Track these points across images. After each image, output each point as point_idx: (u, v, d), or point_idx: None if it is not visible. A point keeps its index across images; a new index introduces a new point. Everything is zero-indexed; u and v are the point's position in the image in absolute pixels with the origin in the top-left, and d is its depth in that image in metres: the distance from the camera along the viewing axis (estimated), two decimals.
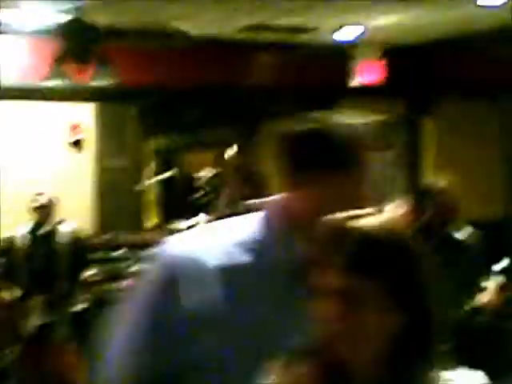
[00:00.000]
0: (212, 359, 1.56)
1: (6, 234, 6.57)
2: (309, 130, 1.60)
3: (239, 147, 8.63)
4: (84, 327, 6.82)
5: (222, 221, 1.74)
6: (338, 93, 8.42)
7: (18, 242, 6.26)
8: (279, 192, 1.64)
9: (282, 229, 1.61)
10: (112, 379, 1.66)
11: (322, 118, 1.63)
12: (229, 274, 1.59)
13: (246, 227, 1.66)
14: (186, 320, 1.57)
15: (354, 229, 1.35)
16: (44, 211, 6.27)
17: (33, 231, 6.29)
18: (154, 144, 8.72)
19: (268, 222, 1.64)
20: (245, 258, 1.61)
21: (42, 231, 6.27)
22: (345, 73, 8.79)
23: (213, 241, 1.65)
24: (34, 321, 5.90)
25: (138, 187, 8.34)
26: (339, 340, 1.31)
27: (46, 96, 7.72)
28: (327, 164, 1.57)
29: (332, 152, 1.58)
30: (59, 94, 7.73)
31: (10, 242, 6.35)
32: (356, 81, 8.86)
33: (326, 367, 1.34)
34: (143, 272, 1.72)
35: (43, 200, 6.29)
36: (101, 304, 7.00)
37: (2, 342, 6.13)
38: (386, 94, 8.76)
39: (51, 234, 6.26)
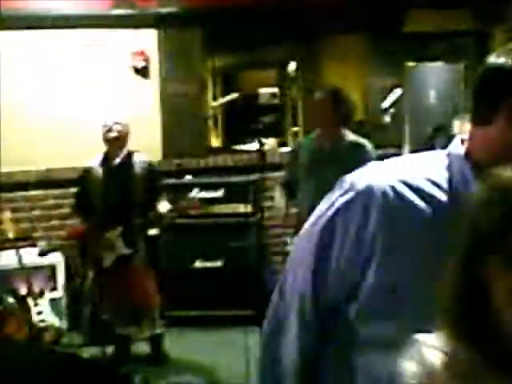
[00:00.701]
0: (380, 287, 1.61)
1: (78, 164, 6.65)
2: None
3: (301, 64, 8.56)
4: (157, 252, 7.00)
5: (411, 155, 1.73)
6: (401, 6, 8.23)
7: (93, 173, 6.26)
8: (473, 129, 1.61)
9: (476, 167, 1.57)
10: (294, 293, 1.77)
11: None
12: (425, 210, 1.59)
13: (440, 164, 1.64)
14: (378, 243, 1.60)
15: None
16: (118, 141, 6.21)
17: (106, 162, 6.29)
18: (216, 64, 8.69)
19: (462, 160, 1.61)
20: (441, 196, 1.60)
21: (115, 162, 6.24)
22: None
23: (414, 175, 1.63)
24: (112, 251, 5.98)
25: (202, 111, 8.34)
26: None
27: (111, 24, 7.68)
28: None
29: None
30: (124, 22, 7.69)
31: (85, 172, 6.38)
32: None
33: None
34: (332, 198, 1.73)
35: (117, 130, 6.20)
36: (173, 230, 7.16)
37: (79, 270, 6.27)
38: (452, 4, 8.45)
39: (125, 164, 6.21)
